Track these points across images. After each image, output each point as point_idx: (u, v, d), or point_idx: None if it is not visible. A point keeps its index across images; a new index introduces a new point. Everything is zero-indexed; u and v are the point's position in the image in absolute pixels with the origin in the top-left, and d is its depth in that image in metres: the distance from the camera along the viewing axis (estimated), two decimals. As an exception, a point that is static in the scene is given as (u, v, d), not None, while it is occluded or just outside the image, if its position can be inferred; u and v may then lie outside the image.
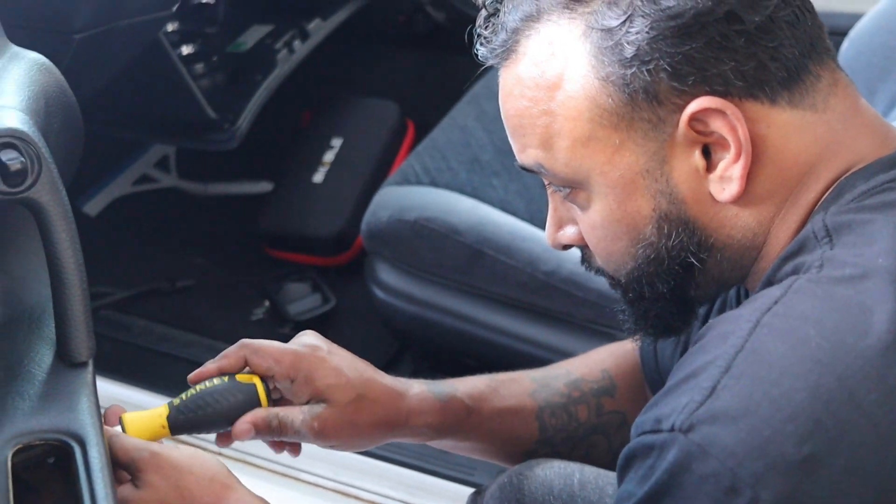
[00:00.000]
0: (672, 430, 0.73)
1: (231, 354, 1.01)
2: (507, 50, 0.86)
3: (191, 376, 1.00)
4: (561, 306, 1.57)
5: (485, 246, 1.59)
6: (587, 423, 1.11)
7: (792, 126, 0.82)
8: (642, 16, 0.79)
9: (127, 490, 0.89)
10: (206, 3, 2.05)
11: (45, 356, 0.89)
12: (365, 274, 1.74)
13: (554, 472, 1.09)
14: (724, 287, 0.91)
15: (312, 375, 1.00)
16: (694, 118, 0.80)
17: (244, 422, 0.97)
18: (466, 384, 1.09)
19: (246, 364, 1.00)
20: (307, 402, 1.00)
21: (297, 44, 2.06)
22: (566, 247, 0.94)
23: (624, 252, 0.87)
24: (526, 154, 0.87)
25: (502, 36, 0.86)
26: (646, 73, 0.80)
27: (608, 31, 0.80)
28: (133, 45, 1.71)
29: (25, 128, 0.84)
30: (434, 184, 1.69)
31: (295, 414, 0.99)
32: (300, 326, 1.89)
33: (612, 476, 1.07)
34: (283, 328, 1.92)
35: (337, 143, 2.16)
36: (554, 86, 0.83)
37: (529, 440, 1.10)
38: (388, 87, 2.34)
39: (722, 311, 1.00)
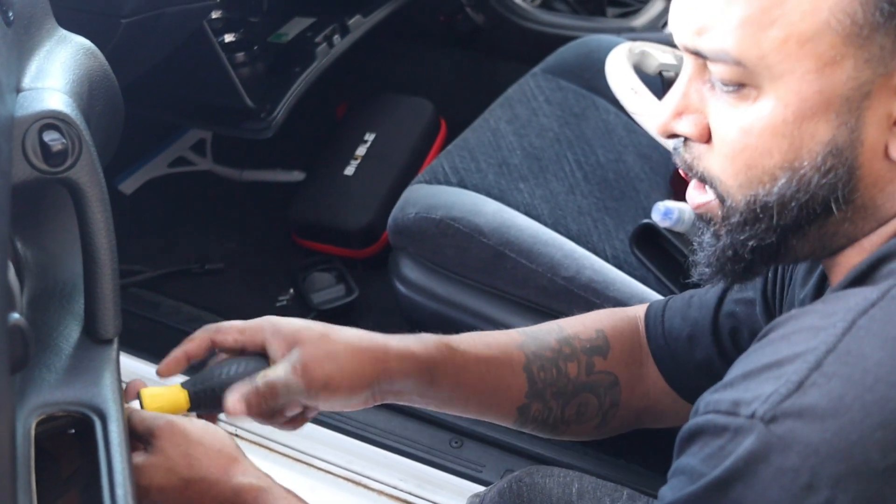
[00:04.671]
0: (752, 416, 0.71)
1: (196, 337, 1.02)
2: None
3: (159, 367, 1.01)
4: (578, 312, 1.57)
5: (507, 248, 1.60)
6: (577, 379, 1.09)
7: None
8: None
9: (139, 456, 0.91)
10: (251, -7, 2.08)
11: (73, 331, 0.91)
12: (389, 268, 1.75)
13: (553, 480, 1.09)
14: (813, 255, 0.85)
15: (279, 327, 1.01)
16: None
17: (234, 398, 0.97)
18: (453, 335, 1.07)
19: (211, 345, 1.02)
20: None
21: (336, 38, 2.07)
22: (673, 136, 0.84)
23: (767, 170, 0.79)
24: (712, 34, 0.77)
25: None
26: None
27: None
28: (178, 32, 1.73)
29: (68, 110, 0.86)
30: (462, 184, 1.70)
31: (276, 371, 0.98)
32: (322, 315, 1.92)
33: (609, 486, 1.08)
34: (306, 316, 1.94)
35: (370, 137, 2.18)
36: None
37: (519, 393, 1.08)
38: (424, 86, 2.35)
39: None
